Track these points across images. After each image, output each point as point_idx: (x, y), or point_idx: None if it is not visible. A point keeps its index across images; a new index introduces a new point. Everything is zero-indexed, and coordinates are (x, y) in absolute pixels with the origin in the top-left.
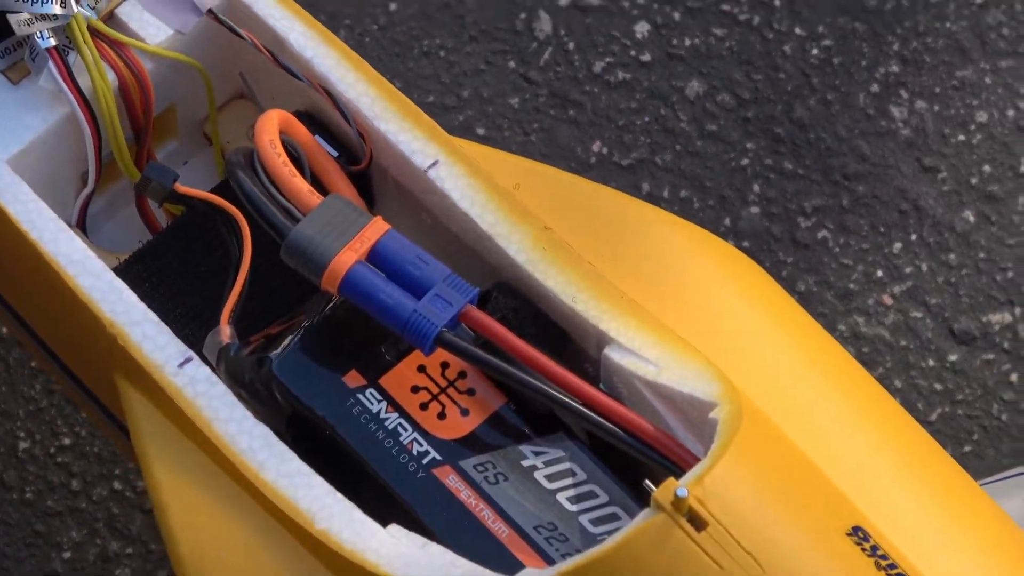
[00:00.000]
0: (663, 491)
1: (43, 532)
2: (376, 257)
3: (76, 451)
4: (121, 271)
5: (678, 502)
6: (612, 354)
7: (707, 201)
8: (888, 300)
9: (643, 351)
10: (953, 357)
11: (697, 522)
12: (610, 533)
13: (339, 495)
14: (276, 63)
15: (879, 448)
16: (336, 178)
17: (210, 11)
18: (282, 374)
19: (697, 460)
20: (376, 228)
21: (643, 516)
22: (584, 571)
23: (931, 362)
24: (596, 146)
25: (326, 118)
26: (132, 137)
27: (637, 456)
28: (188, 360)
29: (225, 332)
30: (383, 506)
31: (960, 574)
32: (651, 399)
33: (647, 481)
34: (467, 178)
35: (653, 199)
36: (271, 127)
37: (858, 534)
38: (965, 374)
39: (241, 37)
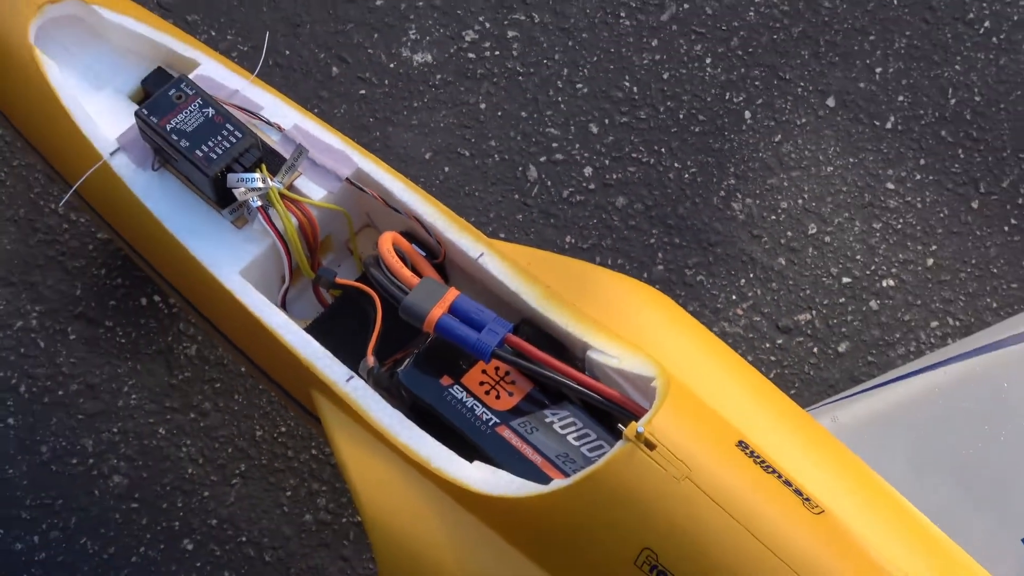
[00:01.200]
0: (629, 429)
1: (273, 481)
2: (454, 310)
3: (288, 434)
4: (309, 330)
5: (638, 435)
6: (592, 355)
7: (633, 264)
8: (740, 312)
9: (609, 351)
10: (780, 341)
11: (650, 445)
12: (600, 457)
13: (443, 447)
14: (386, 205)
15: (750, 397)
16: (425, 267)
17: (347, 179)
18: (406, 381)
19: (646, 411)
20: (452, 293)
21: (618, 445)
22: (588, 479)
23: (767, 345)
24: (568, 238)
25: (417, 233)
26: (308, 253)
27: (611, 411)
28: (351, 377)
29: (370, 359)
30: (469, 452)
31: (803, 469)
32: (617, 379)
33: (620, 425)
34: (501, 262)
35: (604, 265)
36: (387, 242)
37: (744, 447)
38: (787, 351)
39: (365, 192)
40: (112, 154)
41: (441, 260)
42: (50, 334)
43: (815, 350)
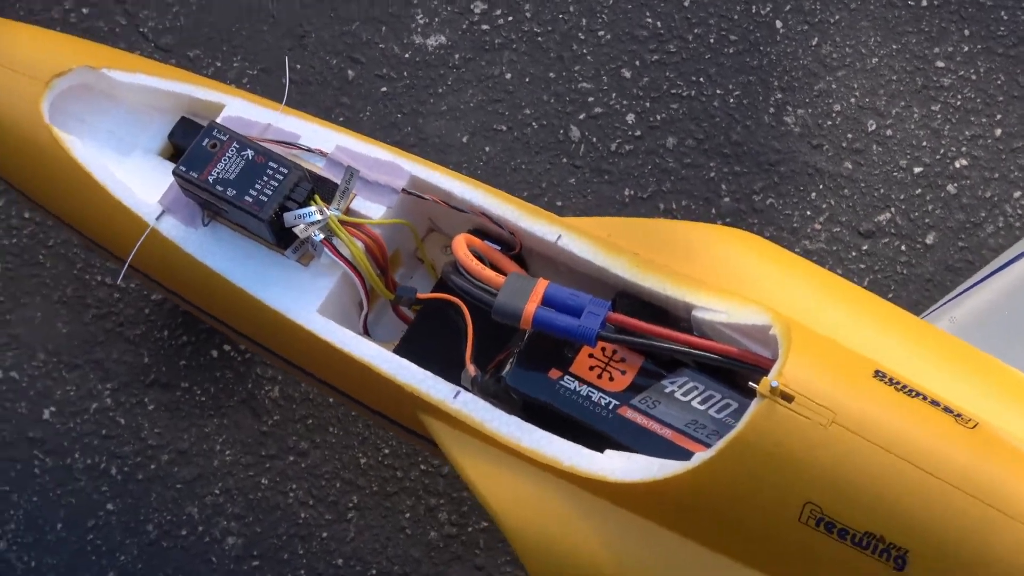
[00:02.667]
0: (763, 386)
1: (389, 506)
2: (547, 301)
3: (393, 455)
4: (398, 351)
5: (773, 390)
6: (697, 314)
7: (698, 203)
8: (818, 226)
9: (715, 307)
10: (865, 247)
11: (787, 397)
12: (730, 415)
13: (569, 442)
14: (449, 207)
15: (867, 319)
16: (505, 262)
17: (404, 189)
18: (513, 383)
19: (771, 362)
20: (541, 284)
21: (754, 404)
22: (731, 446)
23: (852, 254)
24: (627, 191)
25: (488, 229)
26: (380, 274)
27: (733, 367)
28: (458, 393)
29: (471, 369)
30: (596, 442)
31: (943, 383)
32: (730, 334)
33: (750, 383)
34: (580, 239)
35: (670, 213)
36: (463, 246)
37: (881, 376)
38: (875, 255)
39: (425, 199)
40: (158, 219)
41: (518, 251)
42: (128, 409)
43: (903, 248)
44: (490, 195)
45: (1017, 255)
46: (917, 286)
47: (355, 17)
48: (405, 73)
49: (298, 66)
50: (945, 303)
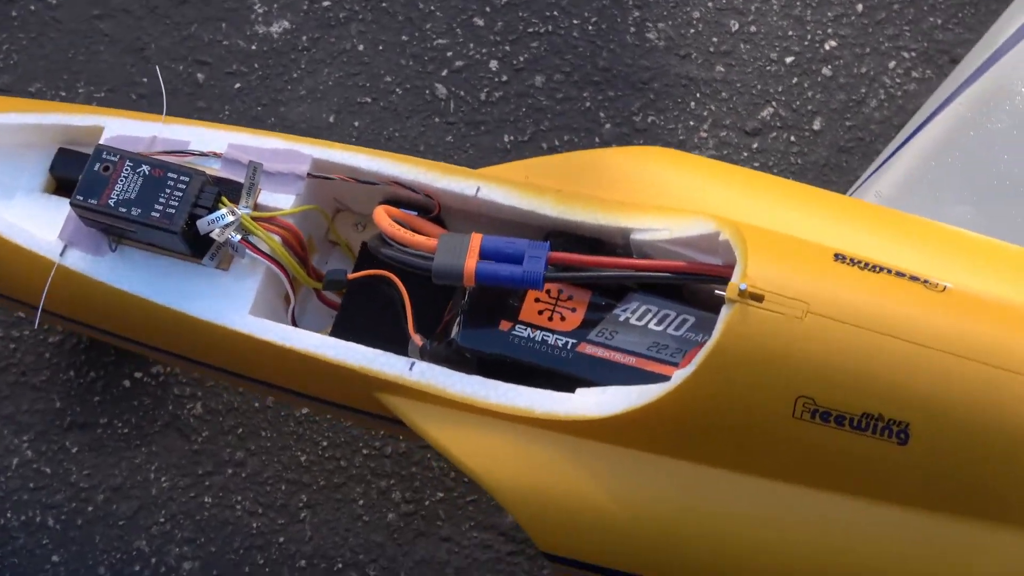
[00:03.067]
0: (731, 291)
1: (340, 498)
2: (485, 254)
3: (332, 445)
4: (336, 336)
5: (742, 293)
6: (637, 236)
7: (580, 135)
8: (704, 134)
9: (654, 226)
10: (755, 145)
11: (757, 297)
12: (690, 330)
13: (538, 390)
14: (358, 182)
15: (803, 208)
16: (427, 226)
17: (308, 174)
18: (466, 343)
19: (727, 269)
20: (476, 238)
21: (725, 311)
22: (711, 358)
23: (745, 154)
24: (506, 138)
25: (399, 197)
26: (300, 263)
27: (691, 283)
28: (413, 364)
29: (417, 339)
30: (562, 385)
31: (899, 254)
32: (674, 250)
33: (716, 291)
34: (500, 187)
35: (554, 151)
36: (385, 217)
37: (842, 259)
38: (767, 151)
39: (331, 179)
40: (62, 255)
41: (437, 212)
42: (50, 457)
43: (792, 139)
44: (398, 161)
45: (925, 119)
46: (815, 173)
47: (192, 19)
48: (256, 65)
49: (145, 80)
50: (865, 180)
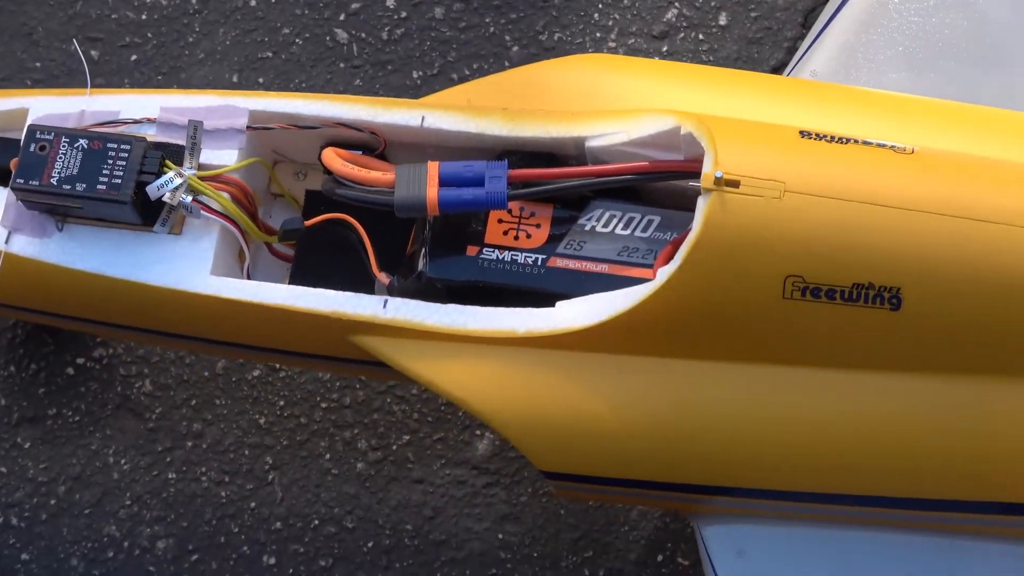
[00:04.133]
0: (706, 181)
1: (305, 455)
2: (444, 181)
3: (289, 404)
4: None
5: (718, 180)
6: (593, 143)
7: (489, 61)
8: (612, 44)
9: (609, 130)
10: (665, 47)
11: (733, 184)
12: (657, 229)
13: (517, 309)
14: (298, 128)
15: (750, 94)
16: (376, 164)
17: (248, 127)
18: (435, 274)
19: (693, 163)
20: (433, 166)
21: (703, 201)
22: (695, 250)
23: (655, 58)
24: (415, 74)
25: (343, 137)
26: (250, 218)
27: (659, 181)
28: (385, 302)
29: (383, 277)
30: (538, 303)
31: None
32: (633, 151)
33: (690, 183)
34: (445, 113)
35: (465, 80)
36: (336, 160)
37: (807, 135)
38: (677, 52)
39: (272, 128)
40: (7, 242)
41: (383, 149)
42: (3, 456)
43: (701, 36)
44: (338, 101)
45: None
46: (732, 68)
47: None
48: (149, 34)
49: (38, 64)
50: (798, 62)
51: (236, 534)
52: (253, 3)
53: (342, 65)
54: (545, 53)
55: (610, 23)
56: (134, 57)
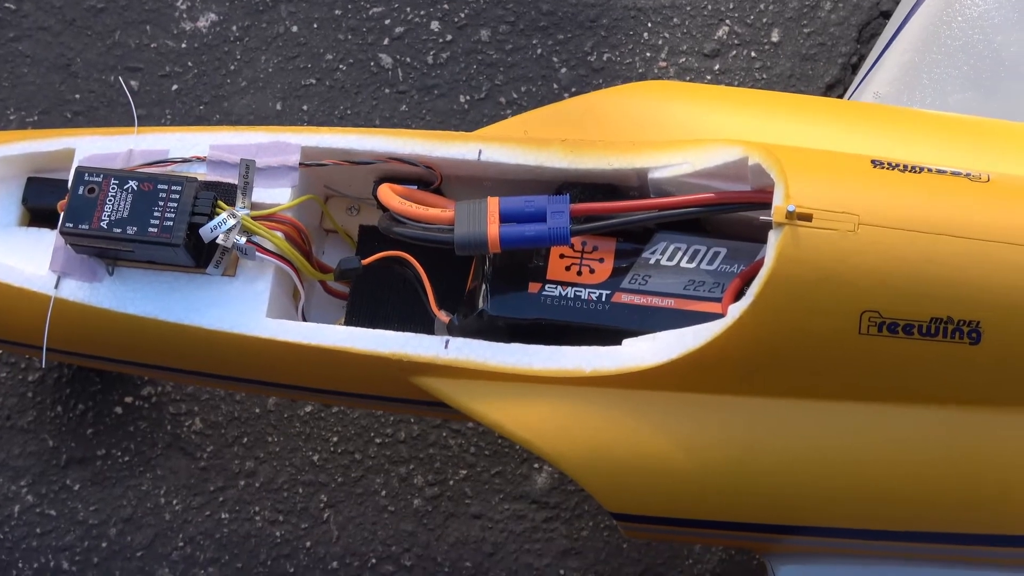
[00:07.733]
0: (778, 214)
1: (361, 492)
2: (505, 217)
3: (343, 440)
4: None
5: (790, 214)
6: (656, 175)
7: (537, 83)
8: (663, 63)
9: (672, 161)
10: (717, 66)
11: (805, 217)
12: (723, 262)
13: (582, 347)
14: (352, 164)
15: (813, 120)
16: (432, 199)
17: (301, 164)
18: (497, 312)
19: (762, 193)
20: (493, 202)
21: (774, 236)
22: (767, 286)
23: (708, 77)
24: (462, 99)
25: (398, 173)
26: (304, 257)
27: (727, 212)
28: (446, 342)
29: (442, 315)
30: (602, 339)
31: (932, 151)
32: (697, 183)
33: (761, 217)
34: (503, 146)
35: (513, 104)
36: (393, 196)
37: (879, 164)
38: (730, 71)
39: (324, 165)
40: (57, 287)
41: (439, 184)
42: (52, 498)
43: (753, 54)
44: (392, 136)
45: (907, 12)
46: (783, 85)
47: (113, 27)
48: (190, 63)
49: (77, 96)
50: (860, 84)
51: (292, 574)
52: (295, 29)
53: (387, 91)
54: (594, 74)
55: (660, 42)
56: (175, 87)
